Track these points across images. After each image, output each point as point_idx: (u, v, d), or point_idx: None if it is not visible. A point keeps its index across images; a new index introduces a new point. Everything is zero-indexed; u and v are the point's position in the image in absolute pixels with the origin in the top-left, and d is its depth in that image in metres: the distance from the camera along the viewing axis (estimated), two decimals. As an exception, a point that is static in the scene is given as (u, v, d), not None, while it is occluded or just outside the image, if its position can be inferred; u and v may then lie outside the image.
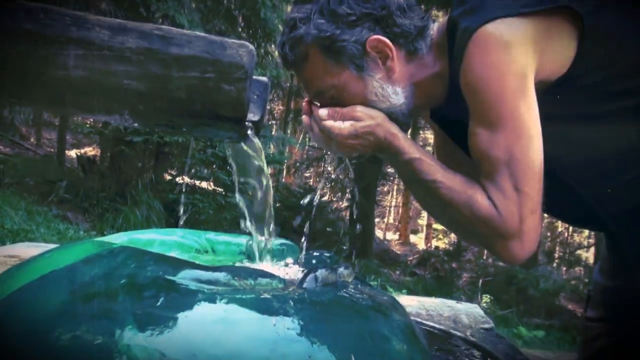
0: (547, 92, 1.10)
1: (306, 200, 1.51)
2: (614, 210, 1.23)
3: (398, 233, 23.18)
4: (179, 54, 1.08)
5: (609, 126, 1.14)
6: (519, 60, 1.07)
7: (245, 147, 1.26)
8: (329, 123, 1.21)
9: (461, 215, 1.14)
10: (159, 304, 0.89)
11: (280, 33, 1.27)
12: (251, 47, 1.12)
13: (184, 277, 0.99)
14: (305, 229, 1.42)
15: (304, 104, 1.30)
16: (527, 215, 1.08)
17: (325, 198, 14.53)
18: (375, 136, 1.20)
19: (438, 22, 1.28)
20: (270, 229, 1.35)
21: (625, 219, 1.23)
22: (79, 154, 12.74)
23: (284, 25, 1.25)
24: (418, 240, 22.82)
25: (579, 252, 21.55)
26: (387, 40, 1.19)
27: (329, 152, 1.35)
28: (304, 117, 1.29)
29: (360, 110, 1.21)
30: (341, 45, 1.19)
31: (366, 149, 1.23)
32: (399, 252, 17.70)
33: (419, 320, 1.94)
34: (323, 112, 1.22)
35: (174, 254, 1.37)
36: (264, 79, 1.29)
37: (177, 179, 10.73)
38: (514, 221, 1.08)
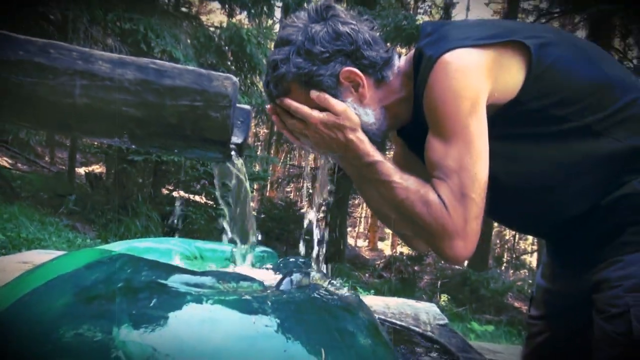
0: (497, 114, 1.12)
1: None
2: (554, 219, 1.24)
3: (367, 240, 23.17)
4: (172, 85, 1.08)
5: (550, 145, 1.15)
6: (473, 85, 1.09)
7: (229, 166, 1.26)
8: (307, 110, 1.20)
9: (414, 212, 1.13)
10: (152, 305, 0.88)
11: (264, 72, 1.26)
12: (235, 79, 1.12)
13: (174, 281, 0.98)
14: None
15: (268, 110, 1.29)
16: (472, 219, 1.09)
17: (304, 210, 14.49)
18: (345, 136, 1.18)
19: (404, 55, 1.30)
20: (252, 238, 1.34)
21: (565, 229, 1.25)
22: (87, 171, 12.64)
23: (267, 67, 1.25)
24: (385, 247, 22.82)
25: (524, 257, 21.75)
26: (358, 71, 1.20)
27: (303, 165, 1.33)
28: (273, 117, 1.28)
29: (342, 108, 1.19)
30: (318, 79, 1.19)
31: (332, 143, 1.20)
32: (368, 257, 17.70)
33: (383, 318, 1.94)
34: (315, 92, 1.20)
35: (176, 259, 1.37)
36: (247, 107, 1.29)
37: (173, 193, 10.67)
38: (460, 222, 1.08)
